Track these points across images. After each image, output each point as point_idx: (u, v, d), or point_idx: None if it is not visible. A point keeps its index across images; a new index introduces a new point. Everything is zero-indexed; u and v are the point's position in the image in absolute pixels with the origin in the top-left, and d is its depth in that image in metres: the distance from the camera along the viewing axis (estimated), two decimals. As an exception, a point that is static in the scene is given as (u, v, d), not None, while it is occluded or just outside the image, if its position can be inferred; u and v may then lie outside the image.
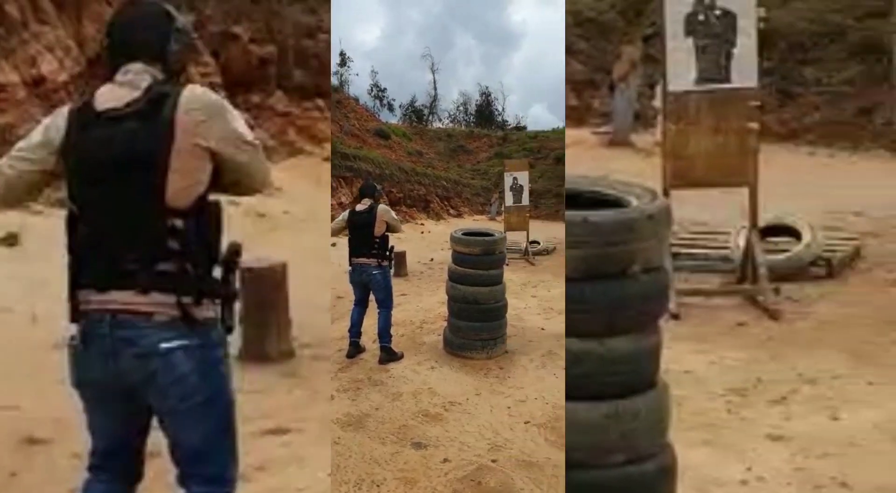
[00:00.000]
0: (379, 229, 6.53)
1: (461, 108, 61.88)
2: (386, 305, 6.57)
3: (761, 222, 6.49)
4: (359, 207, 6.71)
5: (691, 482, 3.21)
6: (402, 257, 12.95)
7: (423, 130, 50.77)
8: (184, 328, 2.12)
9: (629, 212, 2.47)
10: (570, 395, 2.41)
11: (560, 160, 39.11)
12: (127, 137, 2.11)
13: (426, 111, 58.50)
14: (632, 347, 2.44)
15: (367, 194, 6.78)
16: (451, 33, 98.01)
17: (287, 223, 12.71)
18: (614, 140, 14.94)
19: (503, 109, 56.19)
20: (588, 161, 13.31)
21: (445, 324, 6.94)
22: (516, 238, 15.29)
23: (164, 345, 2.09)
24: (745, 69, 5.89)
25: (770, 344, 5.13)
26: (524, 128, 54.23)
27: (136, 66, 2.22)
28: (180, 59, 2.34)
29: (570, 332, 2.43)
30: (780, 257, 6.55)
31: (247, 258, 6.05)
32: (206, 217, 2.19)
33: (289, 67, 17.36)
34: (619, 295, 2.43)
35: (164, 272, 2.12)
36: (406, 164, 33.78)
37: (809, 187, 10.12)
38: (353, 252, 6.64)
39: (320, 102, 17.69)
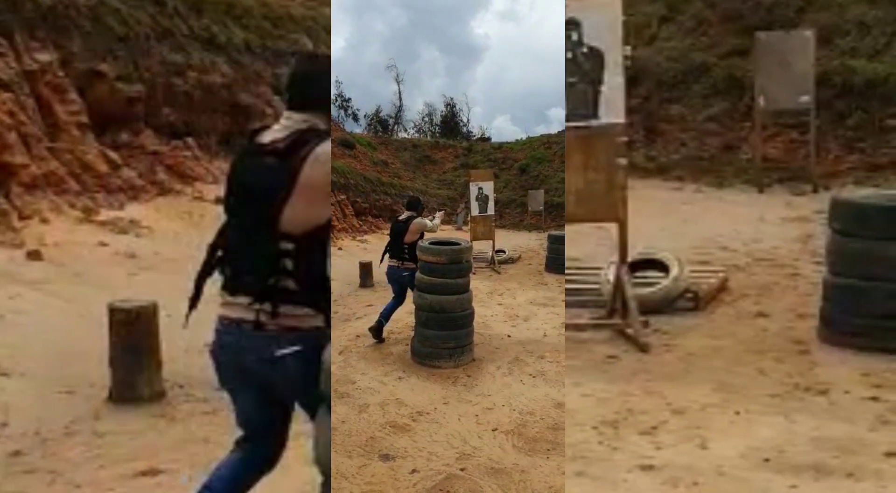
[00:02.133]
0: (409, 238, 8.11)
1: (426, 118, 63.40)
2: (401, 298, 8.31)
3: (631, 257, 6.81)
4: (401, 218, 8.49)
5: None
6: (367, 267, 13.29)
7: (388, 140, 51.29)
8: (294, 337, 2.71)
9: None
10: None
11: (524, 170, 40.58)
12: (267, 168, 2.70)
13: (391, 121, 59.93)
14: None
15: (410, 208, 8.66)
16: (415, 45, 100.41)
17: (157, 264, 12.39)
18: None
19: (468, 120, 57.72)
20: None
21: (413, 334, 7.04)
22: (482, 247, 16.08)
23: (278, 352, 2.69)
24: (612, 106, 6.22)
25: (640, 376, 5.38)
26: (489, 139, 55.93)
27: (297, 116, 2.82)
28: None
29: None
30: (649, 290, 6.88)
31: (115, 299, 5.94)
32: (315, 243, 2.71)
33: (157, 106, 17.12)
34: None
35: (276, 287, 2.69)
36: (371, 174, 34.22)
37: (677, 222, 10.67)
38: (389, 255, 8.38)
39: (189, 141, 17.59)
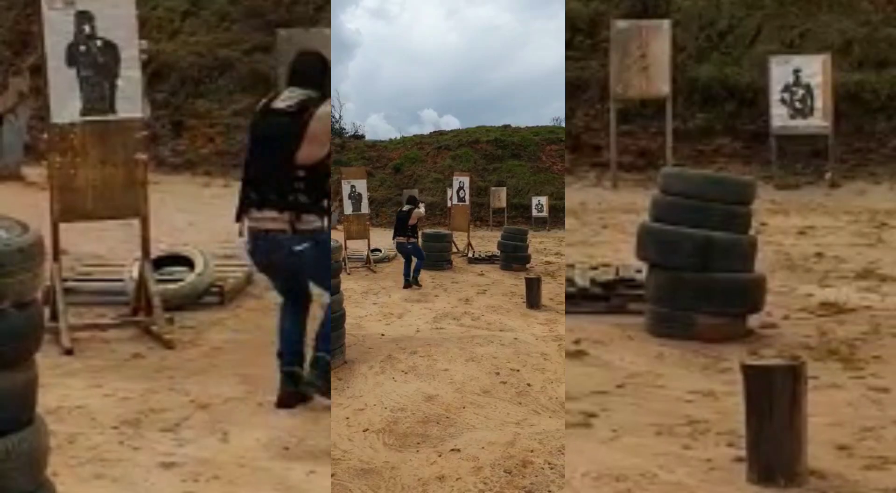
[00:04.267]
0: (411, 222, 13.00)
1: (293, 112, 52.84)
2: (420, 257, 12.81)
3: (156, 253, 6.79)
4: (404, 209, 13.33)
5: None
6: None
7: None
8: (306, 236, 4.40)
9: (-3, 246, 2.50)
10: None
11: (398, 170, 37.87)
12: (283, 124, 4.37)
13: (256, 115, 49.27)
14: (5, 384, 2.47)
15: (409, 203, 13.63)
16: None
17: None
18: (2, 174, 14.21)
19: (340, 116, 49.16)
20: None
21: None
22: (358, 246, 15.48)
23: (296, 247, 4.38)
24: (130, 100, 6.14)
25: (164, 373, 5.38)
26: (362, 136, 49.04)
27: (299, 90, 4.48)
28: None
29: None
30: (174, 286, 6.90)
31: None
32: (319, 171, 4.41)
33: None
34: (-11, 332, 2.45)
35: (295, 201, 4.34)
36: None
37: (206, 217, 10.80)
38: (397, 234, 13.08)
39: None
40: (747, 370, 3.70)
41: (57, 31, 5.97)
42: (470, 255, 17.60)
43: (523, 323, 9.20)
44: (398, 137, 45.81)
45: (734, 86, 15.77)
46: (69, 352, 5.67)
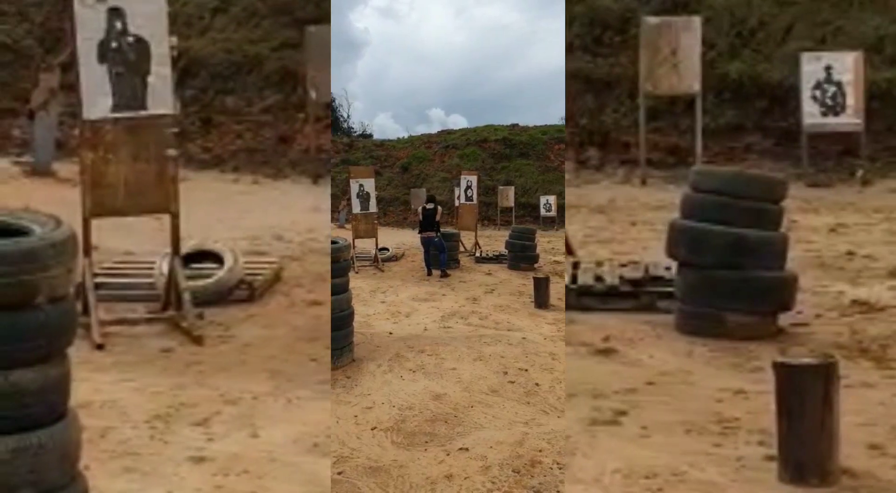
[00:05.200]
0: (437, 218, 14.12)
1: (302, 112, 53.85)
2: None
3: (185, 249, 6.83)
4: (428, 206, 14.42)
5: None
6: None
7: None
8: None
9: (31, 241, 2.51)
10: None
11: (406, 169, 37.51)
12: None
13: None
14: (38, 379, 2.49)
15: (430, 201, 14.72)
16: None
17: None
18: (35, 170, 14.34)
19: (348, 115, 49.91)
20: (9, 191, 12.45)
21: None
22: (365, 245, 15.53)
23: None
24: (161, 97, 6.18)
25: (194, 368, 5.42)
26: (370, 136, 49.69)
27: None
28: None
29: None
30: (204, 282, 6.94)
31: None
32: None
33: None
34: (23, 327, 2.47)
35: None
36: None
37: (235, 213, 10.87)
38: (424, 229, 14.16)
39: None
40: (778, 369, 3.66)
41: (88, 27, 6.02)
42: (477, 254, 17.51)
43: (531, 323, 9.19)
44: (406, 137, 45.56)
45: (765, 83, 15.57)
46: (100, 347, 5.73)
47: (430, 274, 13.92)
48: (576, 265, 7.49)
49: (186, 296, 6.25)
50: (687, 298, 6.13)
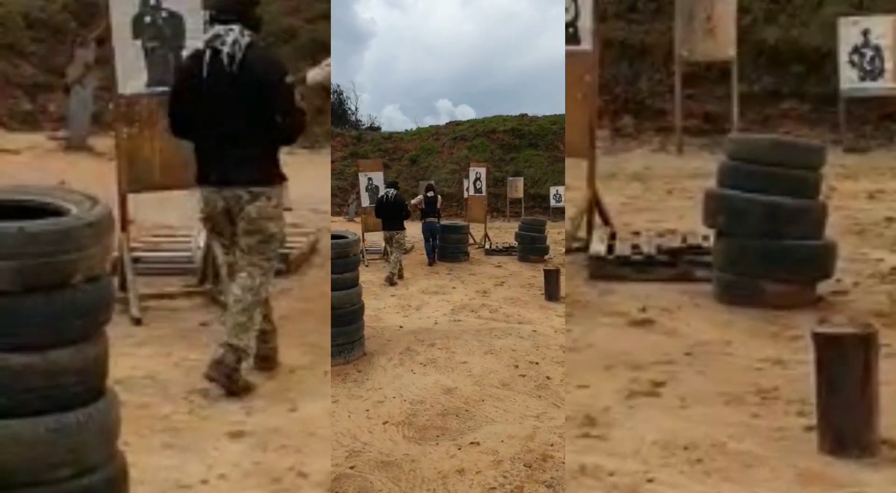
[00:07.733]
0: (438, 205, 15.03)
1: (310, 105, 54.20)
2: (436, 238, 14.86)
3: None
4: (429, 194, 15.00)
5: (152, 488, 3.32)
6: None
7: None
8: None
9: (68, 221, 2.49)
10: (13, 412, 2.36)
11: (414, 161, 37.61)
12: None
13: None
14: (77, 358, 2.48)
15: (431, 190, 15.29)
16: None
17: None
18: (71, 144, 14.41)
19: (356, 108, 50.24)
20: (45, 166, 12.55)
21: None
22: (375, 239, 15.20)
23: None
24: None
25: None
26: (379, 128, 49.69)
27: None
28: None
29: (8, 346, 2.38)
30: (241, 256, 6.91)
31: None
32: None
33: None
34: (60, 307, 2.45)
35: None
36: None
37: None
38: (426, 216, 14.78)
39: None
40: (818, 338, 3.59)
41: (123, 1, 5.98)
42: (487, 246, 17.46)
43: (542, 315, 9.13)
44: (414, 129, 44.94)
45: (802, 48, 15.22)
46: (138, 322, 5.74)
47: (431, 264, 14.54)
48: (613, 235, 7.39)
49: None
50: (724, 267, 6.02)
